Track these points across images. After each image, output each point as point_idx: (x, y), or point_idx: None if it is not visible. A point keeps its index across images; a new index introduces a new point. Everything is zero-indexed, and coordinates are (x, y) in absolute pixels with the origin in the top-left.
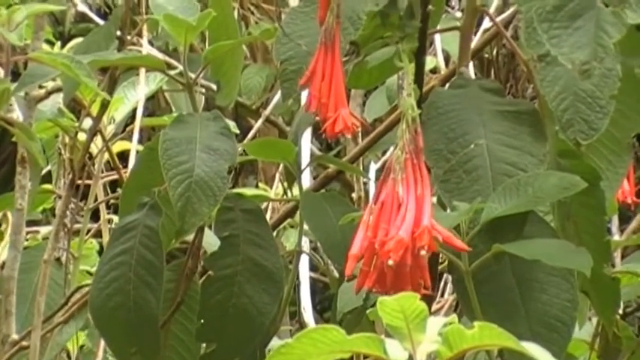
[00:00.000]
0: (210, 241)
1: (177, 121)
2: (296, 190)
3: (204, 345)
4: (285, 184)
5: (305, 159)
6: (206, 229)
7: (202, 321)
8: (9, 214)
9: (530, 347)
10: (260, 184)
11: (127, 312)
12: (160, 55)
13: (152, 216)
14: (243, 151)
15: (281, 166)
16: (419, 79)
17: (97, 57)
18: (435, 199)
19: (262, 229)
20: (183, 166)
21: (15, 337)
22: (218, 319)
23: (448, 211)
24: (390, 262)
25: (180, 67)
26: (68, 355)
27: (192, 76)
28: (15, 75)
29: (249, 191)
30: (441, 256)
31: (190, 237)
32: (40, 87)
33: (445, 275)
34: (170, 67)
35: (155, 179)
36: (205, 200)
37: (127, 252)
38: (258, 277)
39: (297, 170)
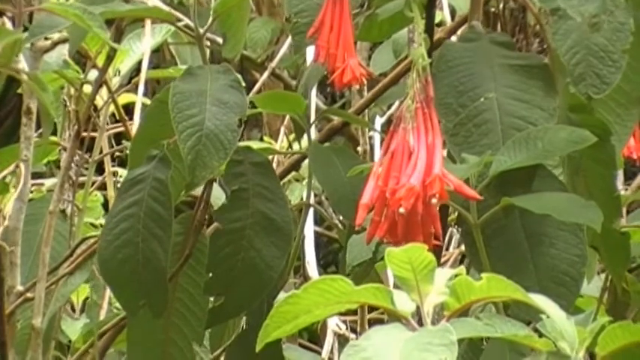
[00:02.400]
0: (217, 194)
1: (187, 73)
2: (302, 143)
3: (212, 298)
4: (291, 137)
5: (311, 112)
6: (214, 184)
7: (211, 274)
8: (21, 166)
9: (537, 299)
10: (265, 138)
11: (136, 264)
12: (166, 8)
13: (161, 168)
14: (250, 103)
15: (286, 119)
16: (428, 31)
17: (106, 8)
18: (444, 153)
19: (272, 183)
20: (193, 119)
21: (20, 288)
22: (227, 272)
23: (457, 164)
24: (402, 211)
25: (186, 20)
26: (72, 307)
27: (201, 29)
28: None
29: (254, 144)
30: (450, 208)
31: (198, 190)
32: (46, 38)
33: (450, 229)
34: (177, 19)
35: (164, 132)
36: (215, 153)
37: (136, 204)
38: (267, 231)
39: (307, 123)
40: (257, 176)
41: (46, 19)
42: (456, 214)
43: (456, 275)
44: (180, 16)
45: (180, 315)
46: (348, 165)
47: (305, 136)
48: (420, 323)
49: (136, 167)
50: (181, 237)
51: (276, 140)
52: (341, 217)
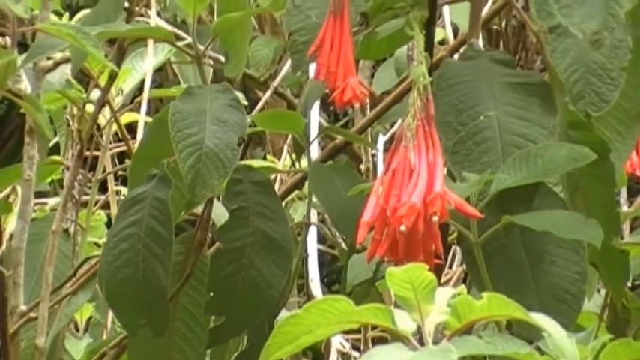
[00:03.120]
0: (219, 212)
1: (186, 93)
2: (304, 162)
3: (213, 317)
4: (294, 155)
5: (313, 130)
6: (215, 201)
7: (212, 294)
8: (18, 188)
9: (538, 318)
10: (268, 156)
11: (136, 284)
12: (168, 27)
13: (161, 188)
14: (252, 122)
15: (289, 137)
16: (429, 49)
17: (106, 28)
18: (445, 171)
19: (272, 202)
20: (193, 138)
21: (23, 308)
22: (227, 291)
23: (458, 182)
24: (403, 229)
25: (188, 39)
26: (76, 327)
27: (201, 48)
28: (22, 46)
29: (257, 163)
30: (450, 226)
31: (199, 209)
32: (48, 58)
33: (453, 247)
34: (178, 38)
35: (164, 151)
36: (215, 172)
37: (136, 224)
38: (267, 250)
39: (306, 142)
40: (257, 195)
41: (46, 39)
42: (457, 232)
43: (457, 294)
44: (183, 34)
45: (182, 334)
46: (348, 184)
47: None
48: (422, 342)
49: (136, 186)
50: (182, 256)
51: (279, 159)
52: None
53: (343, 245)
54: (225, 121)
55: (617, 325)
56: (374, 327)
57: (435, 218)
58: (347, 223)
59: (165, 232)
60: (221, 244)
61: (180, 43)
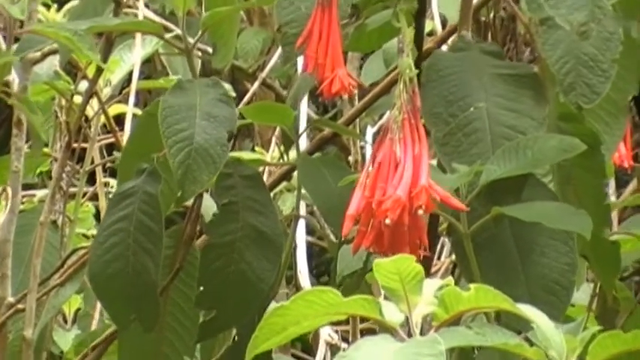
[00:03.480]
0: (208, 204)
1: (176, 87)
2: (292, 154)
3: (202, 311)
4: (282, 147)
5: (302, 122)
6: (204, 194)
7: (202, 288)
8: (8, 190)
9: (525, 309)
10: (256, 148)
11: (126, 278)
12: (157, 18)
13: (151, 182)
14: (240, 114)
15: (277, 129)
16: (418, 41)
17: (95, 23)
18: (435, 162)
19: (262, 195)
20: (183, 134)
21: (11, 299)
22: (218, 286)
23: (448, 174)
24: (388, 222)
25: (177, 31)
26: (64, 318)
27: (191, 40)
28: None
29: (246, 155)
30: (440, 218)
31: (189, 201)
32: (36, 49)
33: (442, 238)
34: (167, 30)
35: (154, 145)
36: (205, 168)
37: (126, 218)
38: (257, 244)
39: (295, 134)
40: (247, 189)
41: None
42: (447, 223)
43: (445, 285)
44: (172, 26)
45: (172, 329)
46: (337, 176)
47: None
48: (409, 334)
49: (125, 181)
50: (172, 250)
51: (267, 150)
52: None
53: (332, 237)
54: (215, 117)
55: (606, 315)
56: (363, 319)
57: (421, 211)
58: (336, 216)
59: (156, 227)
60: (211, 238)
61: (168, 35)
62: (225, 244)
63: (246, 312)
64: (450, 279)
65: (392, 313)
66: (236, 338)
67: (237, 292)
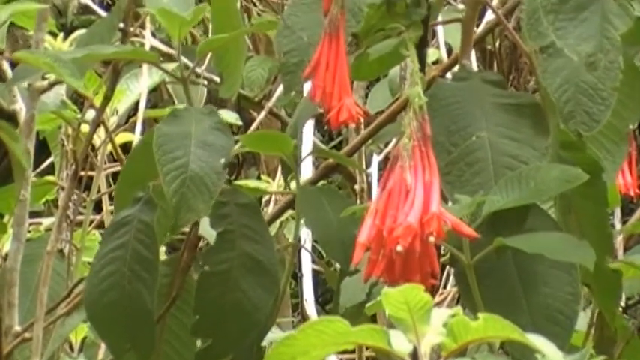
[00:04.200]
0: (209, 230)
1: (171, 115)
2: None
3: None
4: (291, 176)
5: (307, 150)
6: (205, 219)
7: (198, 316)
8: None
9: (533, 338)
10: (262, 176)
11: (122, 307)
12: (163, 47)
13: (147, 211)
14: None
15: None
16: (421, 70)
17: (91, 51)
18: None
19: (257, 224)
20: (177, 162)
21: (18, 328)
22: (213, 314)
23: (450, 204)
24: (399, 249)
25: (184, 59)
26: (71, 347)
27: (197, 69)
28: (14, 65)
29: (251, 183)
30: (442, 248)
31: (187, 228)
32: (43, 78)
33: (447, 267)
34: (173, 59)
35: (150, 173)
36: (200, 196)
37: (121, 247)
38: (253, 272)
39: (294, 163)
40: (243, 217)
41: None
42: (449, 253)
43: (453, 315)
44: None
45: (168, 356)
46: (337, 206)
47: (300, 175)
48: None
49: (122, 209)
50: (168, 278)
51: (273, 179)
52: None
53: (335, 266)
54: (210, 145)
55: (603, 343)
56: (369, 347)
57: (432, 238)
58: (336, 247)
59: (151, 256)
60: (207, 267)
61: (175, 64)
62: (221, 273)
63: (242, 340)
64: (459, 308)
65: (400, 343)
66: None
67: (234, 320)
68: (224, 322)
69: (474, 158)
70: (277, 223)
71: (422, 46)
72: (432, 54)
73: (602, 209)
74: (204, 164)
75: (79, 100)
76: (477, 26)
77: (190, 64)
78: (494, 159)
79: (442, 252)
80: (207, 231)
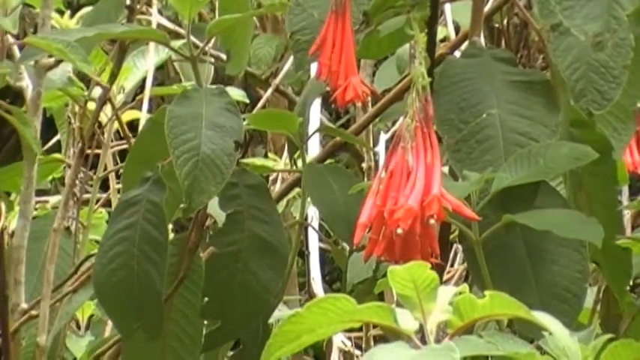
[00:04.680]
0: (217, 210)
1: (182, 97)
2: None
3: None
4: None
5: (313, 128)
6: (215, 200)
7: (207, 298)
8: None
9: (540, 316)
10: (269, 154)
11: (131, 287)
12: (170, 25)
13: (156, 191)
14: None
15: None
16: (430, 48)
17: (101, 30)
18: (446, 170)
19: (267, 205)
20: (189, 144)
21: (24, 306)
22: (223, 295)
23: (460, 181)
24: (399, 231)
25: (192, 38)
26: (77, 325)
27: (199, 48)
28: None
29: (258, 161)
30: (452, 225)
31: None
32: (50, 55)
33: (455, 245)
34: (179, 36)
35: (158, 152)
36: (212, 178)
37: (130, 227)
38: (262, 253)
39: (300, 141)
40: (252, 198)
41: (57, 34)
42: (458, 230)
43: (459, 293)
44: (184, 32)
45: (176, 337)
46: (343, 184)
47: (308, 152)
48: (424, 341)
49: (130, 188)
50: (176, 258)
51: (280, 157)
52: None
53: (342, 245)
54: (221, 126)
55: (609, 320)
56: (376, 325)
57: (432, 221)
58: (341, 224)
59: (160, 236)
60: (216, 248)
61: (181, 41)
62: (230, 254)
63: (251, 321)
64: (465, 286)
65: (407, 321)
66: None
67: (243, 302)
68: (233, 303)
69: (484, 135)
70: (284, 201)
71: (431, 24)
72: (439, 32)
73: (611, 187)
74: (215, 146)
75: (85, 77)
76: (486, 3)
77: (198, 42)
78: (505, 136)
79: (451, 229)
80: (216, 211)
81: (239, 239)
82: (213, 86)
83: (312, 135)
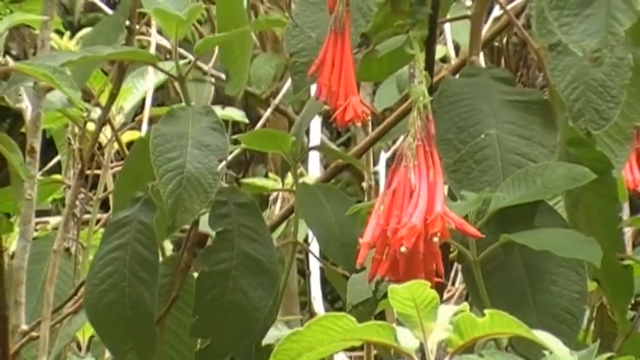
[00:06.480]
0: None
1: (168, 115)
2: (310, 180)
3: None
4: (291, 173)
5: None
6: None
7: (197, 317)
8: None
9: (540, 335)
10: (270, 174)
11: (122, 308)
12: (169, 45)
13: (146, 211)
14: None
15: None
16: (429, 67)
17: (87, 53)
18: (445, 190)
19: (257, 223)
20: (174, 163)
21: (24, 327)
22: (213, 314)
23: (458, 201)
24: (403, 250)
25: (190, 57)
26: (78, 346)
27: (204, 67)
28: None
29: (258, 181)
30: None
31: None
32: None
33: (455, 264)
34: (181, 57)
35: (149, 173)
36: (197, 197)
37: (121, 248)
38: (252, 272)
39: (294, 160)
40: (242, 217)
41: (45, 57)
42: (457, 251)
43: (460, 312)
44: (185, 52)
45: (168, 357)
46: (338, 206)
47: (309, 173)
48: None
49: (120, 209)
50: (168, 278)
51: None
52: None
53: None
54: (207, 145)
55: (603, 339)
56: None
57: (436, 239)
58: (335, 246)
59: (151, 256)
60: (206, 266)
61: (180, 62)
62: (220, 272)
63: (241, 340)
64: (466, 305)
65: (407, 339)
66: None
67: (233, 320)
68: (223, 322)
69: (482, 156)
70: (285, 221)
71: (430, 44)
72: (439, 51)
73: (612, 205)
74: (200, 165)
75: (85, 98)
76: (485, 22)
77: (202, 65)
78: (503, 156)
79: (451, 249)
80: (210, 229)
81: (229, 257)
82: (200, 105)
83: (306, 153)
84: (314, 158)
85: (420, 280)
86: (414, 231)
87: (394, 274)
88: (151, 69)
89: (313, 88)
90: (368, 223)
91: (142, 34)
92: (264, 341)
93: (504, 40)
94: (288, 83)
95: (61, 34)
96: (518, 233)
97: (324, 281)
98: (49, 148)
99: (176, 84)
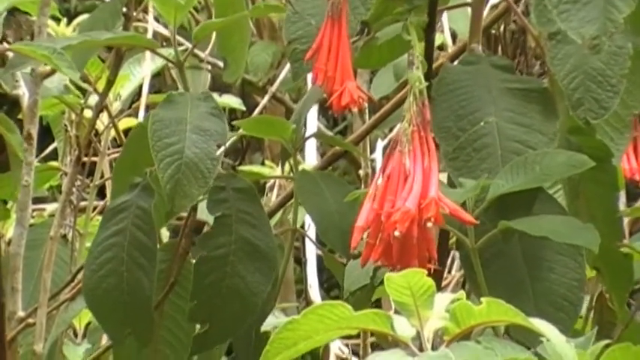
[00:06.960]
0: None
1: (167, 100)
2: (307, 167)
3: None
4: (292, 161)
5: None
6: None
7: (195, 302)
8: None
9: (537, 323)
10: (266, 161)
11: (121, 294)
12: (166, 32)
13: (144, 197)
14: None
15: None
16: (428, 55)
17: (86, 38)
18: (444, 178)
19: (255, 209)
20: (172, 148)
21: (21, 314)
22: (211, 299)
23: (457, 188)
24: (396, 234)
25: (187, 44)
26: (74, 333)
27: (201, 54)
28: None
29: (255, 168)
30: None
31: (185, 214)
32: (46, 63)
33: (453, 251)
34: (179, 44)
35: (147, 158)
36: (195, 182)
37: (119, 233)
38: (250, 257)
39: (293, 148)
40: (240, 202)
41: (43, 42)
42: (455, 237)
43: (456, 300)
44: (182, 40)
45: (167, 342)
46: (336, 192)
47: (306, 161)
48: (421, 348)
49: (119, 194)
50: (166, 264)
51: (277, 164)
52: None
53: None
54: (205, 130)
55: (603, 327)
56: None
57: (430, 224)
58: (334, 233)
59: (150, 242)
60: (204, 252)
61: (180, 48)
62: (218, 258)
63: (239, 325)
64: (462, 293)
65: (403, 328)
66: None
67: (231, 305)
68: (221, 307)
69: (481, 143)
70: (282, 208)
71: (429, 31)
72: (436, 39)
73: (612, 193)
74: (199, 150)
75: (82, 85)
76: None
77: (199, 52)
78: (502, 144)
79: (449, 235)
80: (208, 216)
81: (227, 243)
82: (199, 92)
83: (305, 140)
84: (311, 146)
85: (413, 265)
86: (408, 215)
87: (387, 258)
88: (148, 56)
89: (310, 76)
90: (362, 208)
91: (139, 20)
92: (262, 328)
93: (502, 27)
94: (285, 71)
95: (57, 20)
96: (516, 220)
97: (320, 269)
98: (46, 134)
99: (173, 71)
